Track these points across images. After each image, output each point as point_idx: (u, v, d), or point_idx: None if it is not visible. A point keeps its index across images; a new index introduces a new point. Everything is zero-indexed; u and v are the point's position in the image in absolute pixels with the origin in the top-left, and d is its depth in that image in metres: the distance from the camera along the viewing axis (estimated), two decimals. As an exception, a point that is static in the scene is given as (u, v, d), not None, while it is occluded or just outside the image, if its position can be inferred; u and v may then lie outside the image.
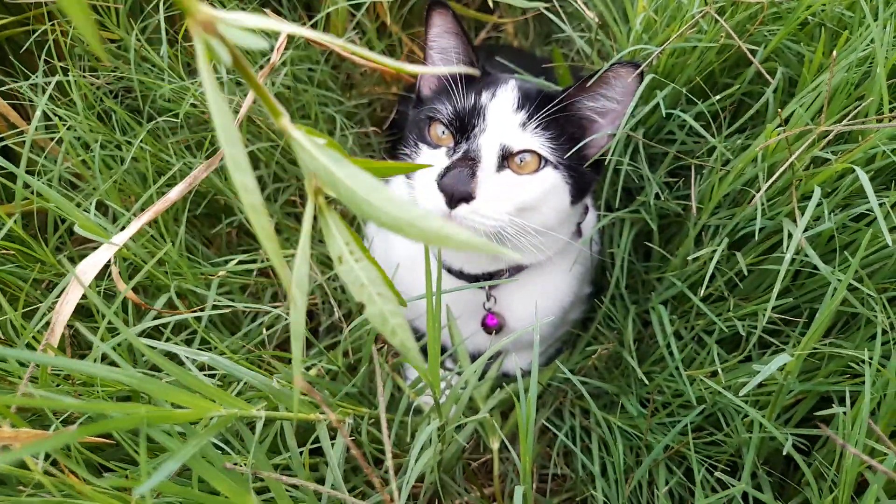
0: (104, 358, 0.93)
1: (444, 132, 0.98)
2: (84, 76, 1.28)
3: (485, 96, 0.98)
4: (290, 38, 1.57)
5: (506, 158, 0.95)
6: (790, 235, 0.86)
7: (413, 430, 1.15)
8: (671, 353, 1.03)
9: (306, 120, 1.51)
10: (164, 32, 1.24)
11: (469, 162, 0.92)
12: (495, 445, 1.12)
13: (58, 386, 0.77)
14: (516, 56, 1.49)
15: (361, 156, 1.66)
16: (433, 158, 0.97)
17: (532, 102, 0.97)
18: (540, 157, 0.95)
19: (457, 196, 0.88)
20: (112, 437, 0.67)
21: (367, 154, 1.72)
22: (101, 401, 0.67)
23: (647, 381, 1.04)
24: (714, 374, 0.98)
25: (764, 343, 0.99)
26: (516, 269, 1.13)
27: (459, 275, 1.14)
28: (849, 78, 0.94)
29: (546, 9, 1.33)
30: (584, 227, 1.22)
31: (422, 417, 1.12)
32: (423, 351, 1.08)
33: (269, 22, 0.34)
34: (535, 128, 0.96)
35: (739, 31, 1.10)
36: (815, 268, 0.91)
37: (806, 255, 0.83)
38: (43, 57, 1.25)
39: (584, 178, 1.02)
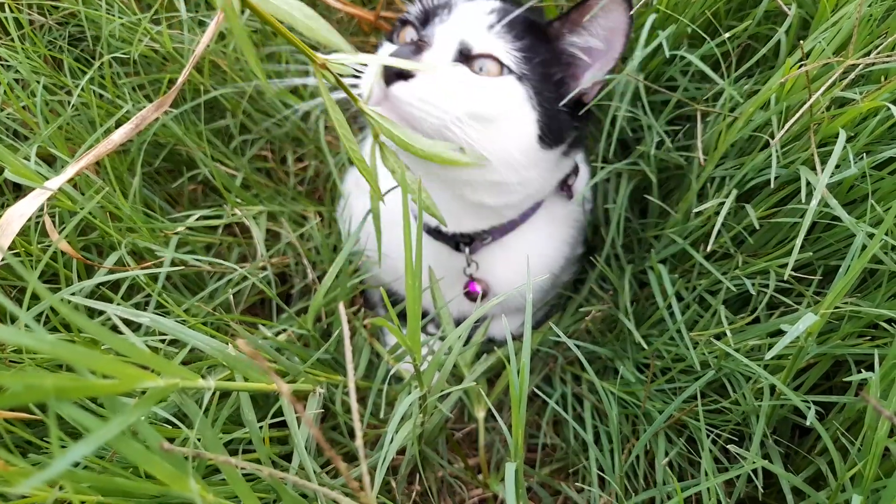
0: (48, 323, 0.84)
1: (411, 34, 0.90)
2: (28, 13, 1.15)
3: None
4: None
5: (465, 59, 0.84)
6: (808, 184, 0.77)
7: (392, 399, 1.07)
8: (672, 315, 0.95)
9: (276, 65, 1.40)
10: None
11: (419, 44, 0.83)
12: (481, 415, 1.04)
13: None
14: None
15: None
16: (391, 49, 0.88)
17: (507, 14, 0.87)
18: (502, 65, 0.84)
19: (395, 70, 0.76)
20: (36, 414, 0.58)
21: (344, 107, 1.60)
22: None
23: (644, 345, 0.96)
24: (719, 336, 0.91)
25: (770, 304, 0.91)
26: (499, 233, 1.04)
27: (437, 235, 1.05)
28: (872, 12, 0.85)
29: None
30: (575, 187, 1.13)
31: (402, 386, 1.04)
32: (403, 316, 1.00)
33: None
34: (504, 33, 0.85)
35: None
36: (833, 220, 0.83)
37: (826, 206, 0.75)
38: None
39: (559, 118, 0.90)
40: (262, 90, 1.32)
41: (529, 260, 1.04)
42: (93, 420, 0.38)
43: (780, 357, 0.83)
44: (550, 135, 0.89)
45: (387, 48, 0.93)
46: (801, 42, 0.76)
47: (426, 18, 0.89)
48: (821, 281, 0.86)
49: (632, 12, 0.84)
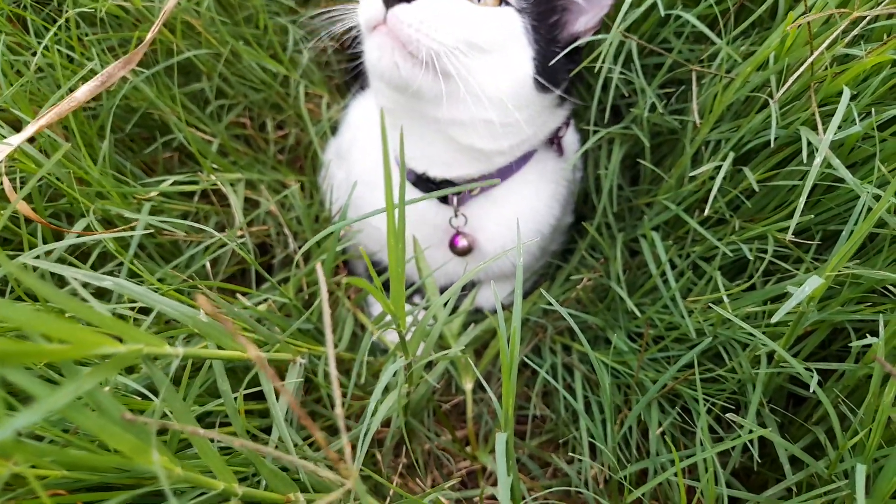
0: (13, 293, 0.79)
1: None
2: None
3: None
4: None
5: None
6: (809, 145, 0.74)
7: (377, 370, 1.04)
8: (665, 283, 0.92)
9: (255, 30, 1.34)
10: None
11: None
12: (468, 386, 1.02)
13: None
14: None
15: (319, 75, 1.50)
16: None
17: None
18: None
19: None
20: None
21: (325, 74, 1.55)
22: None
23: (638, 313, 0.93)
24: (715, 304, 0.88)
25: (766, 271, 0.89)
26: (488, 178, 1.01)
27: (425, 183, 1.01)
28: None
29: None
30: (565, 144, 1.10)
31: (386, 356, 1.01)
32: (386, 286, 0.97)
33: None
34: None
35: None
36: (835, 182, 0.81)
37: (828, 167, 0.72)
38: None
39: (554, 57, 0.89)
40: (238, 52, 1.26)
41: (518, 216, 1.01)
42: (41, 387, 0.34)
43: (777, 325, 0.81)
44: (545, 75, 0.87)
45: None
46: (806, -7, 0.72)
47: None
48: (819, 246, 0.83)
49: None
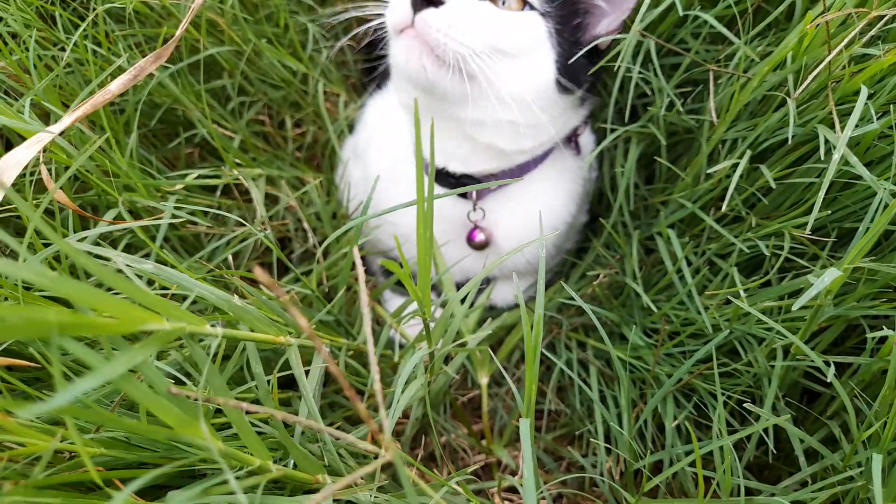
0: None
1: None
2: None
3: None
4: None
5: None
6: (826, 142, 0.75)
7: (394, 364, 1.06)
8: (682, 278, 0.93)
9: (276, 28, 1.36)
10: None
11: None
12: (484, 380, 1.03)
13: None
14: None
15: (337, 74, 1.52)
16: None
17: None
18: (525, 2, 0.85)
19: None
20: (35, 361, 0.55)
21: (342, 73, 1.57)
22: None
23: (654, 308, 0.94)
24: (728, 300, 0.89)
25: (781, 268, 0.90)
26: (507, 176, 1.02)
27: (444, 177, 1.02)
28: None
29: None
30: (582, 145, 1.11)
31: (405, 349, 1.02)
32: (401, 285, 0.99)
33: None
34: None
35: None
36: (851, 180, 0.82)
37: (845, 164, 0.73)
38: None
39: (576, 61, 0.91)
40: (259, 50, 1.28)
41: (536, 213, 1.03)
42: (97, 357, 0.36)
43: (793, 320, 0.82)
44: (567, 76, 0.89)
45: None
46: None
47: None
48: (834, 244, 0.84)
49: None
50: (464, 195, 1.04)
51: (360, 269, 0.46)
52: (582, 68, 0.91)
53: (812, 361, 0.74)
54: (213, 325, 0.49)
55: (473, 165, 0.99)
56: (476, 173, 1.00)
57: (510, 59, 0.83)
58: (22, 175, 0.92)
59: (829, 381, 0.65)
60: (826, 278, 0.58)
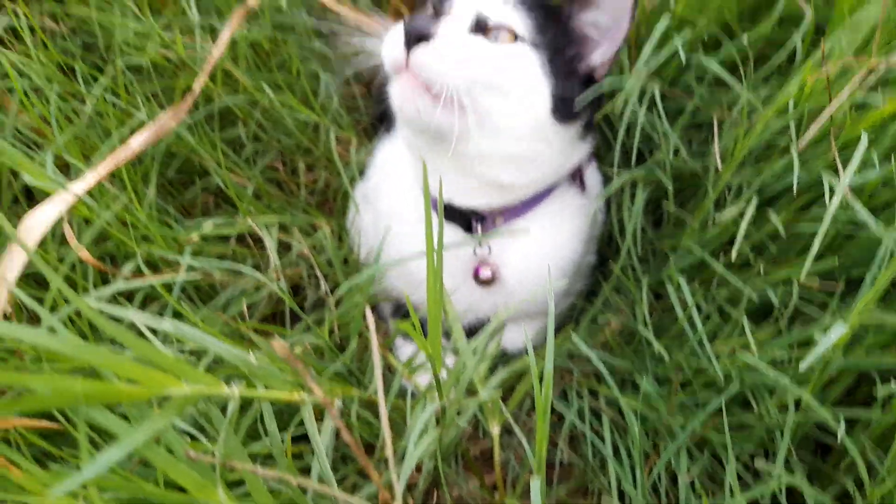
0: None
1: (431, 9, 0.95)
2: (42, 23, 1.15)
3: None
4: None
5: (481, 30, 0.88)
6: (831, 189, 0.76)
7: (406, 414, 1.06)
8: (693, 326, 0.94)
9: (287, 75, 1.39)
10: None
11: (437, 11, 0.88)
12: (496, 430, 1.02)
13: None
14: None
15: (348, 120, 1.55)
16: None
17: None
18: (517, 35, 0.88)
19: (414, 33, 0.80)
20: (58, 423, 0.56)
21: (353, 118, 1.60)
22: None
23: (666, 357, 0.94)
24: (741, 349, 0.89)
25: (792, 315, 0.90)
26: (513, 212, 1.03)
27: (450, 211, 1.04)
28: (892, 13, 0.84)
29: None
30: (587, 183, 1.12)
31: (416, 399, 1.03)
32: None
33: None
34: (519, 6, 0.89)
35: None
36: (857, 227, 0.82)
37: (850, 209, 0.74)
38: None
39: (572, 91, 0.92)
40: (273, 100, 1.31)
41: (543, 251, 1.05)
42: (122, 425, 0.37)
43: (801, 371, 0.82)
44: (564, 107, 0.91)
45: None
46: (822, 39, 0.75)
47: None
48: (844, 292, 0.84)
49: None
50: (469, 229, 1.05)
51: (373, 327, 0.47)
52: (577, 96, 0.93)
53: (835, 414, 0.74)
54: (229, 384, 0.50)
55: (478, 199, 1.00)
56: (480, 207, 1.01)
57: (504, 91, 0.85)
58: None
59: (839, 438, 0.65)
60: (832, 335, 0.59)
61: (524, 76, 0.88)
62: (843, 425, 0.65)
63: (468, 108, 0.83)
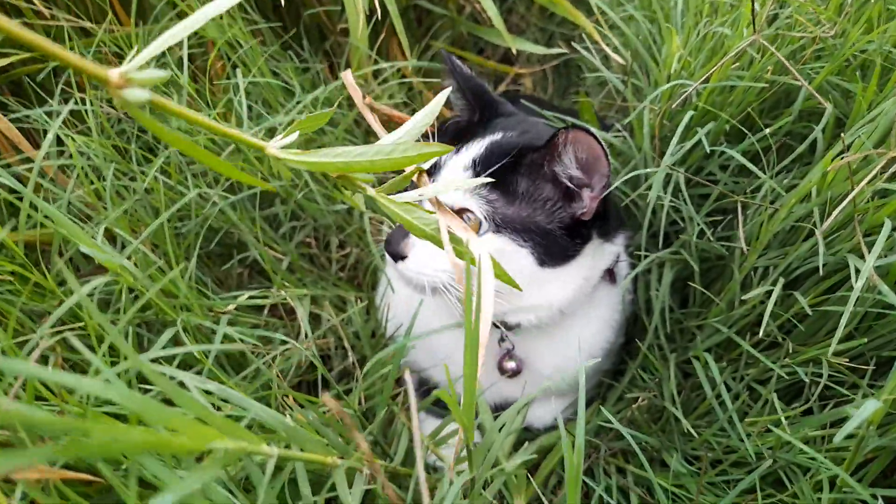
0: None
1: None
2: (101, 106, 1.24)
3: (449, 154, 0.97)
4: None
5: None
6: (857, 271, 0.78)
7: (431, 487, 1.05)
8: (721, 404, 0.93)
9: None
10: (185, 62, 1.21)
11: None
12: (521, 506, 1.01)
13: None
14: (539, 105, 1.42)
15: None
16: None
17: (494, 161, 0.93)
18: (481, 219, 0.93)
19: (392, 254, 0.95)
20: (100, 476, 0.58)
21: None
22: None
23: (695, 434, 0.94)
24: (769, 428, 0.88)
25: (822, 396, 0.90)
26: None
27: None
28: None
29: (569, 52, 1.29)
30: (617, 272, 1.15)
31: (441, 473, 1.02)
32: (437, 402, 1.00)
33: None
34: (484, 188, 0.93)
35: (783, 69, 1.06)
36: (885, 308, 0.83)
37: (878, 294, 0.75)
38: (60, 86, 1.22)
39: (556, 241, 0.95)
40: (312, 187, 1.36)
41: (572, 341, 1.05)
42: (171, 475, 0.39)
43: (837, 449, 0.81)
44: (550, 257, 0.94)
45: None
46: (843, 134, 0.79)
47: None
48: (874, 372, 0.84)
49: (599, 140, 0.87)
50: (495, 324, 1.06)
51: (413, 398, 0.49)
52: (566, 242, 0.95)
53: (860, 494, 0.73)
54: (269, 445, 0.52)
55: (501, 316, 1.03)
56: (507, 322, 1.03)
57: None
58: (90, 294, 0.99)
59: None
60: (866, 410, 0.59)
61: (503, 258, 0.88)
62: (881, 502, 0.64)
63: (452, 293, 0.93)
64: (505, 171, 0.92)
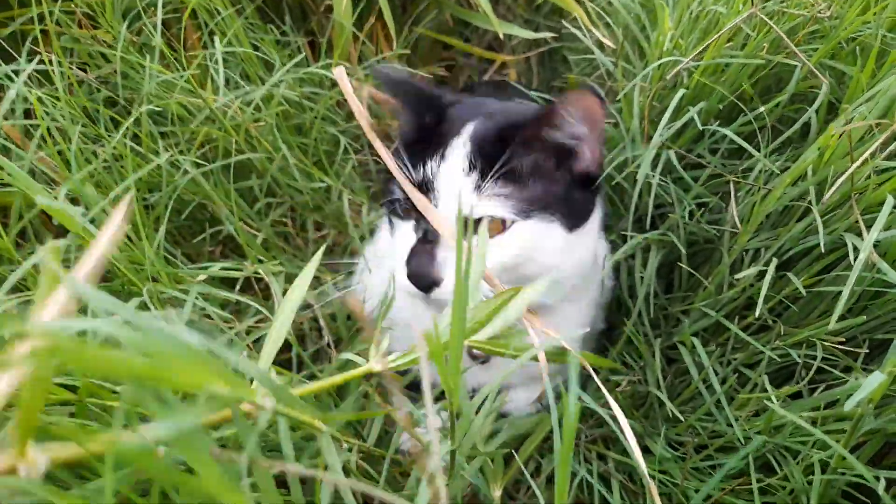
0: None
1: (408, 211, 0.93)
2: (70, 67, 1.17)
3: (433, 164, 0.89)
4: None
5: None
6: (855, 249, 0.76)
7: (403, 470, 1.02)
8: (709, 388, 0.91)
9: (305, 138, 1.42)
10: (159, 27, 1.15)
11: (428, 245, 0.87)
12: (497, 493, 0.98)
13: None
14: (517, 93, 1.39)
15: (360, 184, 1.56)
16: (406, 231, 0.92)
17: (488, 152, 0.88)
18: (503, 220, 0.87)
19: (423, 284, 0.86)
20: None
21: (365, 182, 1.62)
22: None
23: (681, 418, 0.92)
24: (759, 412, 0.87)
25: (812, 380, 0.88)
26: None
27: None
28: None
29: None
30: (596, 253, 1.12)
31: (413, 457, 0.98)
32: (411, 386, 0.98)
33: None
34: (494, 185, 0.87)
35: (778, 48, 1.05)
36: (883, 287, 0.82)
37: (877, 273, 0.74)
38: (27, 45, 1.15)
39: (576, 201, 0.93)
40: (289, 160, 1.32)
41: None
42: (167, 409, 0.35)
43: (828, 433, 0.79)
44: (575, 220, 0.92)
45: (401, 226, 0.95)
46: (845, 105, 0.77)
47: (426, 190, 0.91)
48: (867, 356, 0.83)
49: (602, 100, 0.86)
50: None
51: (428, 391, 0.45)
52: (585, 200, 0.95)
53: (853, 476, 0.71)
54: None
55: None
56: None
57: (528, 260, 0.88)
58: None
59: (880, 492, 0.62)
60: (872, 382, 0.57)
61: (539, 240, 0.89)
62: (883, 482, 0.62)
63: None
64: (505, 158, 0.87)
